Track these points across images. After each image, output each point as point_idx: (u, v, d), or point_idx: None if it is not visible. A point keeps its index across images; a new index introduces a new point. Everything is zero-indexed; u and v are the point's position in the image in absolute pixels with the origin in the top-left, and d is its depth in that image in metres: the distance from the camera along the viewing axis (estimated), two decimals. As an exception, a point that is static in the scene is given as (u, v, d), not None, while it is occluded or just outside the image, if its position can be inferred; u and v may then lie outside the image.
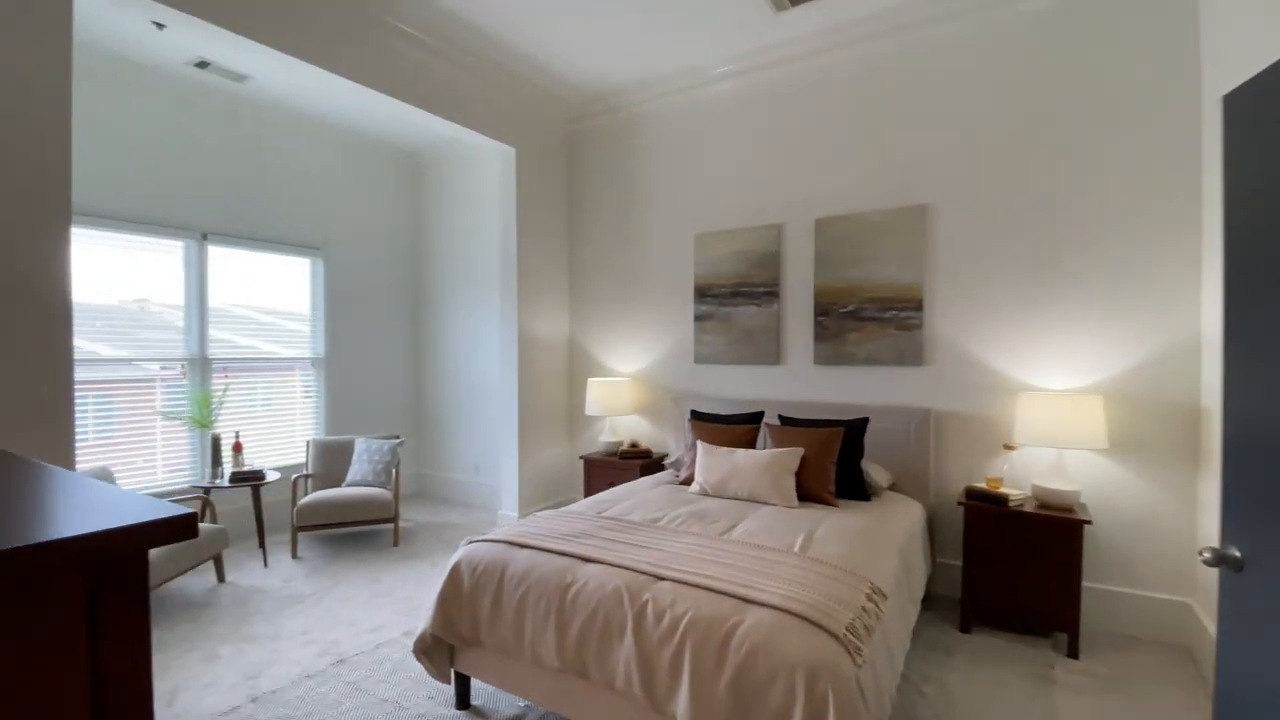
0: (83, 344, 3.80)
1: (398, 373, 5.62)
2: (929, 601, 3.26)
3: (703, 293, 4.11)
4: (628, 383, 4.21)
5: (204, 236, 4.33)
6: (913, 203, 3.43)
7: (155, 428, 4.12)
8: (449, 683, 2.36)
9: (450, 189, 5.52)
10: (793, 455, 3.01)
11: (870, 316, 3.54)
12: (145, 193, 4.00)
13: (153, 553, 3.07)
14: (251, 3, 2.89)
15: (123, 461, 3.97)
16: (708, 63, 3.93)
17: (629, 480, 3.85)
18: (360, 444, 4.49)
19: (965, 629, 2.95)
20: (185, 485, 4.12)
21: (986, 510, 2.88)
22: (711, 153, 4.11)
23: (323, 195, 5.00)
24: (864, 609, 1.88)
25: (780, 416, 3.45)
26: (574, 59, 3.92)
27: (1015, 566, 2.83)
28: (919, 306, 3.40)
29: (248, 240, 4.55)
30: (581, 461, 4.27)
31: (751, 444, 3.36)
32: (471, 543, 2.38)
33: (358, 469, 4.40)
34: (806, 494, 2.98)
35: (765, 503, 2.92)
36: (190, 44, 3.64)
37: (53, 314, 2.20)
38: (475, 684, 2.46)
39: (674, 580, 1.95)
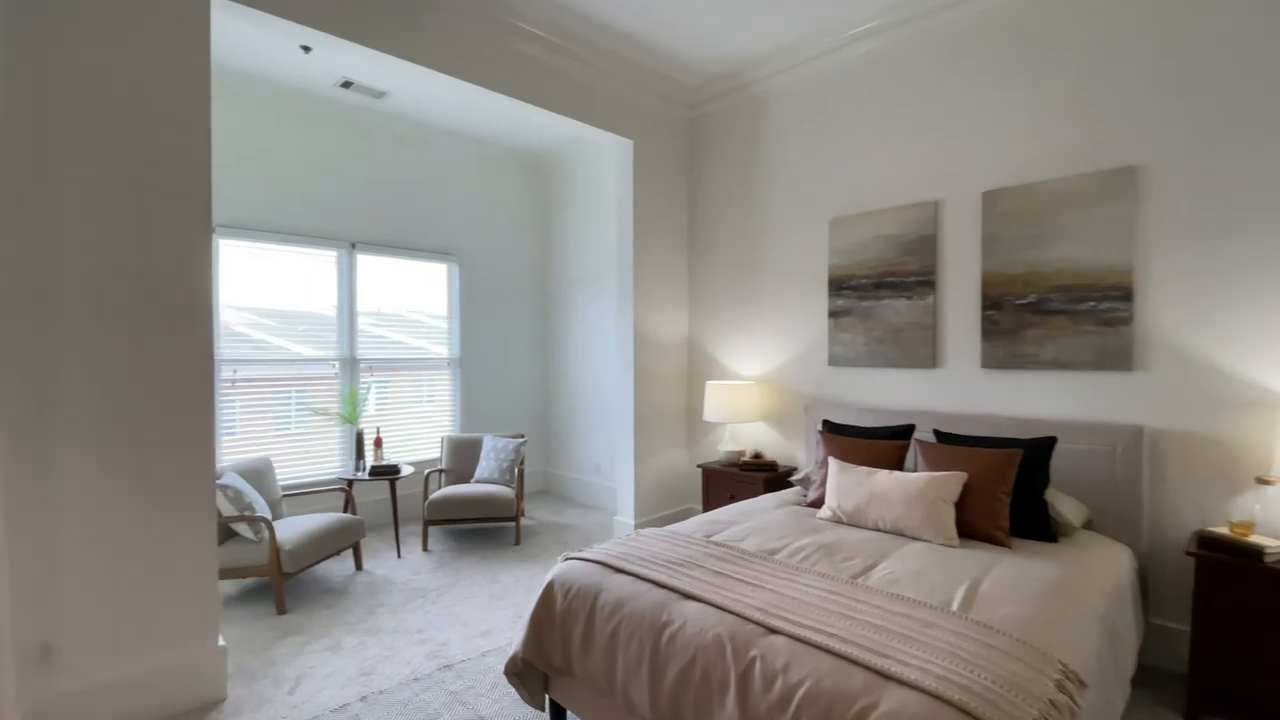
0: (289, 345, 4.35)
1: (526, 372, 5.71)
2: (1139, 674, 2.53)
3: (839, 285, 3.61)
4: (751, 387, 3.83)
5: (353, 246, 4.65)
6: (1117, 164, 2.69)
7: (334, 421, 4.54)
8: (543, 709, 2.19)
9: (573, 190, 5.50)
10: (953, 481, 2.46)
11: (1058, 309, 2.85)
12: (303, 207, 4.38)
13: (297, 538, 3.28)
14: (390, 21, 2.97)
15: (311, 450, 4.46)
16: (843, 22, 3.43)
17: (751, 495, 3.48)
18: (488, 441, 4.57)
19: (1193, 717, 2.23)
20: (331, 477, 4.44)
21: (1231, 565, 2.15)
22: (849, 125, 3.59)
23: (456, 203, 5.20)
24: (1052, 703, 1.39)
25: (936, 432, 2.88)
26: (693, 36, 3.62)
27: (1272, 642, 2.07)
28: (1127, 295, 2.66)
29: (390, 248, 4.84)
30: (700, 471, 3.97)
31: (898, 464, 2.84)
32: (568, 559, 2.19)
33: (484, 466, 4.48)
34: (970, 530, 2.42)
35: (914, 538, 2.41)
36: (335, 65, 3.88)
37: (195, 315, 2.35)
38: (571, 715, 2.27)
39: (789, 635, 1.59)
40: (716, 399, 3.74)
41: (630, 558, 2.08)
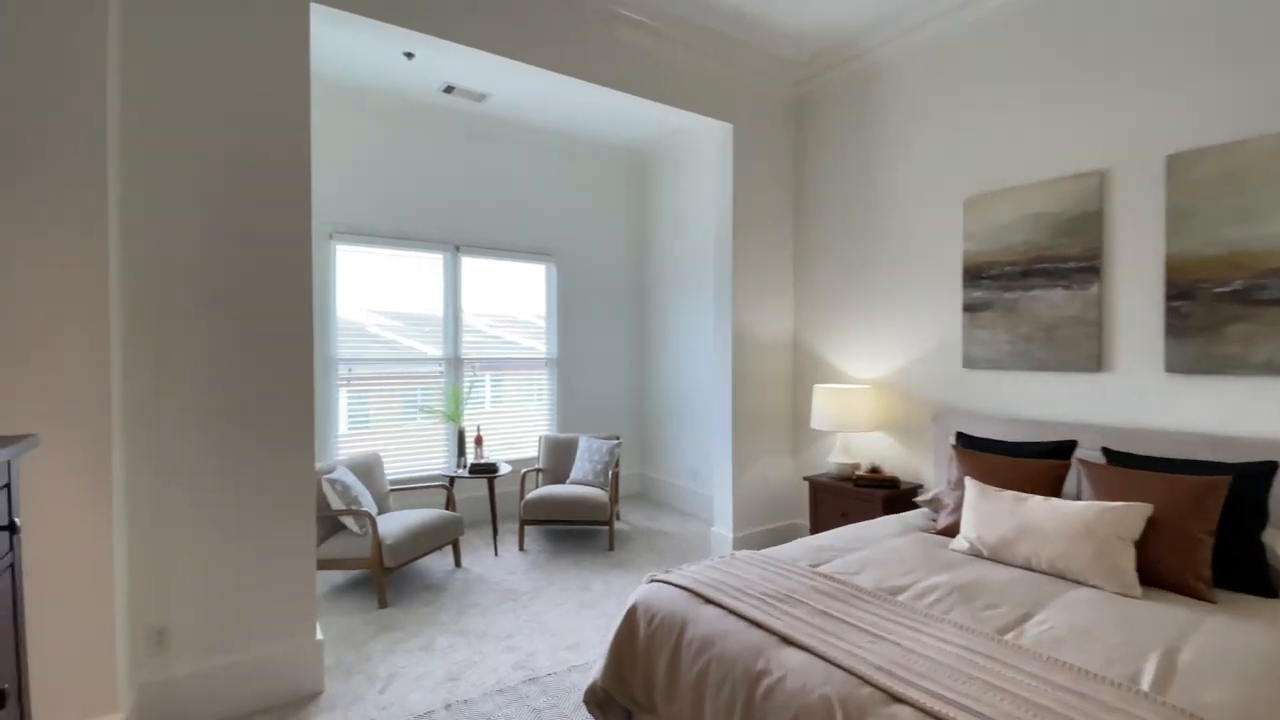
0: (401, 345, 4.54)
1: (622, 372, 5.60)
2: None
3: (976, 274, 3.12)
4: (867, 392, 3.41)
5: (457, 249, 4.76)
6: (1377, 106, 2.05)
7: (439, 418, 4.69)
8: (626, 745, 1.99)
9: (671, 184, 5.31)
10: (1132, 514, 1.97)
11: (1275, 298, 2.23)
12: (411, 211, 4.53)
13: (398, 534, 3.33)
14: (490, 20, 2.91)
15: (419, 446, 4.61)
16: (986, -33, 2.94)
17: (867, 515, 3.08)
18: (583, 442, 4.49)
19: None
20: (433, 473, 4.55)
21: None
22: (987, 88, 3.09)
23: (555, 202, 5.18)
24: None
25: (1106, 450, 2.36)
26: (799, 6, 3.27)
27: None
28: (1391, 279, 2.02)
29: (492, 249, 4.90)
30: (806, 483, 3.61)
31: (1055, 488, 2.35)
32: (653, 581, 1.98)
33: (580, 467, 4.40)
34: (1157, 578, 1.93)
35: (1079, 583, 1.96)
36: (437, 70, 3.95)
37: (297, 316, 2.41)
38: (658, 751, 2.06)
39: (918, 707, 1.27)
40: (826, 405, 3.37)
41: (722, 586, 1.83)
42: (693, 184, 5.08)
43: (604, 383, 5.48)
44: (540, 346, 5.22)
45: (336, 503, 3.36)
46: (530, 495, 4.11)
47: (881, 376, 3.54)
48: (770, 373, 3.97)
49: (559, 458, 4.56)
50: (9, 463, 0.92)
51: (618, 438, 4.47)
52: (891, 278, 3.52)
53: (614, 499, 4.20)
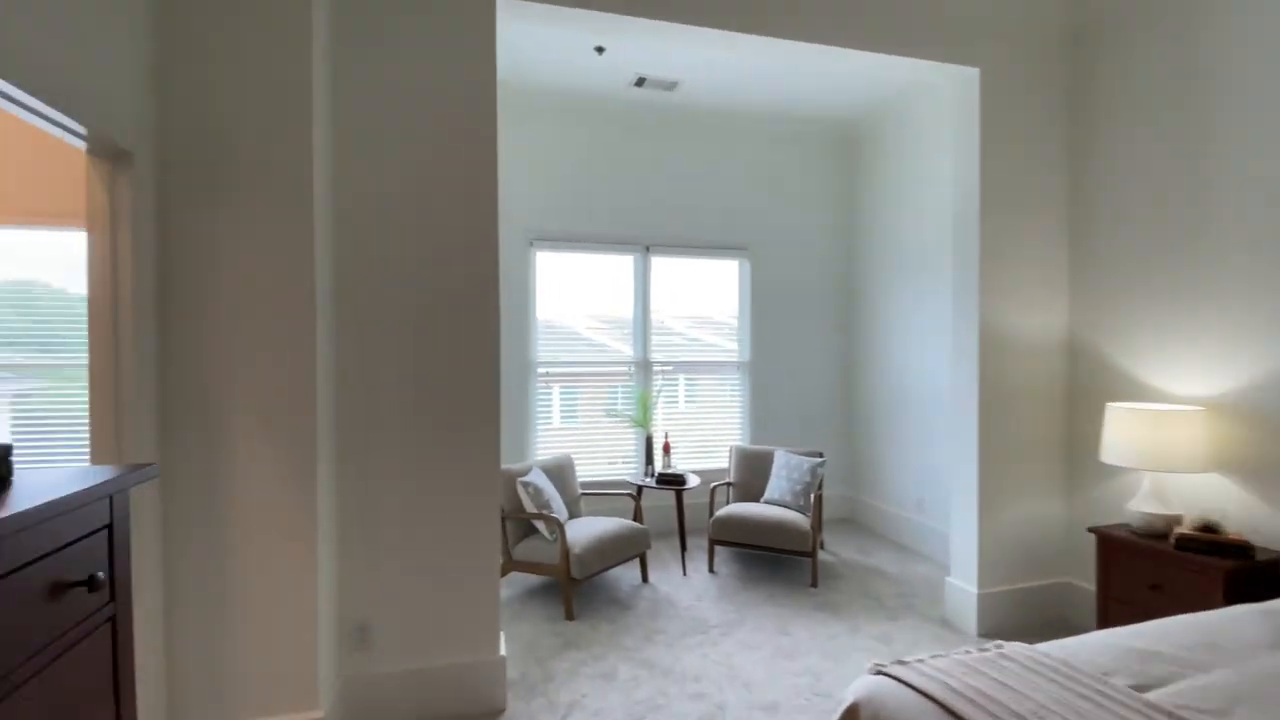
0: (620, 347, 4.61)
1: (825, 378, 4.97)
2: None
3: None
4: (1195, 416, 2.39)
5: (647, 249, 4.60)
6: None
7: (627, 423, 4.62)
8: None
9: (889, 160, 4.55)
10: None
11: None
12: (602, 213, 4.49)
13: (586, 543, 3.21)
14: None
15: (609, 449, 4.61)
16: None
17: (1194, 594, 2.14)
18: (780, 457, 4.02)
19: None
20: (622, 479, 4.42)
21: None
22: None
23: (749, 192, 4.79)
24: None
25: None
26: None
27: None
28: None
29: (682, 247, 4.68)
30: (1092, 535, 2.68)
31: None
32: (879, 673, 1.47)
33: (775, 485, 3.94)
34: None
35: None
36: (628, 62, 3.78)
37: (484, 323, 2.36)
38: None
39: None
40: (1126, 431, 2.44)
41: (989, 703, 1.25)
42: (918, 154, 4.27)
43: (803, 389, 4.92)
44: (732, 349, 4.85)
45: (529, 506, 3.35)
46: (720, 512, 3.76)
47: (1218, 394, 2.48)
48: (1034, 385, 3.05)
49: (752, 472, 4.14)
50: (110, 499, 0.81)
51: (821, 454, 3.91)
52: (1234, 251, 2.45)
53: (817, 526, 3.65)
